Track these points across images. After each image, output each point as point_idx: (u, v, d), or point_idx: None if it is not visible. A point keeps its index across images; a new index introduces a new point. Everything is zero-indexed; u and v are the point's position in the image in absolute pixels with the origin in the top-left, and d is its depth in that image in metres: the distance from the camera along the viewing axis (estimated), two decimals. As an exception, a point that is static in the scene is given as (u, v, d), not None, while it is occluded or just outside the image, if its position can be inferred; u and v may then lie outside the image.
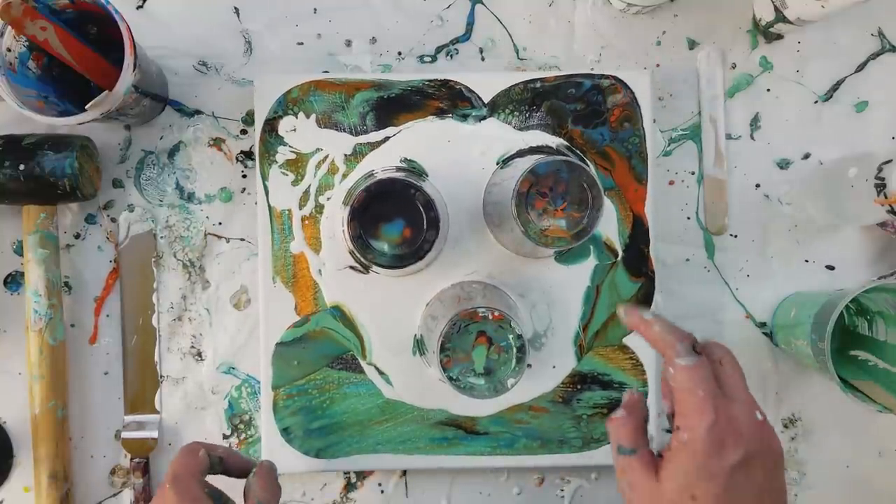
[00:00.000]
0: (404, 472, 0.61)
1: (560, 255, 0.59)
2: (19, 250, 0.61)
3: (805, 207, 0.62)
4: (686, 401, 0.43)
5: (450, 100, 0.59)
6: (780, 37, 0.62)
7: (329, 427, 0.59)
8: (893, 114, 0.63)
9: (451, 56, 0.62)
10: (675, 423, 0.44)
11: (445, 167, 0.59)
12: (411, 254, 0.51)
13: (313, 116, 0.59)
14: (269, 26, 0.62)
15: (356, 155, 0.59)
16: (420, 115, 0.59)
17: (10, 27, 0.51)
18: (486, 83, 0.59)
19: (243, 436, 0.61)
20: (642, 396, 0.48)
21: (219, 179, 0.62)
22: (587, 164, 0.58)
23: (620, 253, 0.59)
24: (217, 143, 0.62)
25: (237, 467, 0.51)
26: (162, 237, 0.61)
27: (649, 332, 0.45)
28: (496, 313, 0.50)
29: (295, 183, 0.59)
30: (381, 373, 0.59)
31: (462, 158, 0.59)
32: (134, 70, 0.51)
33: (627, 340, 0.59)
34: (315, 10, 0.62)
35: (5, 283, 0.61)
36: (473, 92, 0.59)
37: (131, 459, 0.60)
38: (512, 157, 0.59)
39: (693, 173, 0.63)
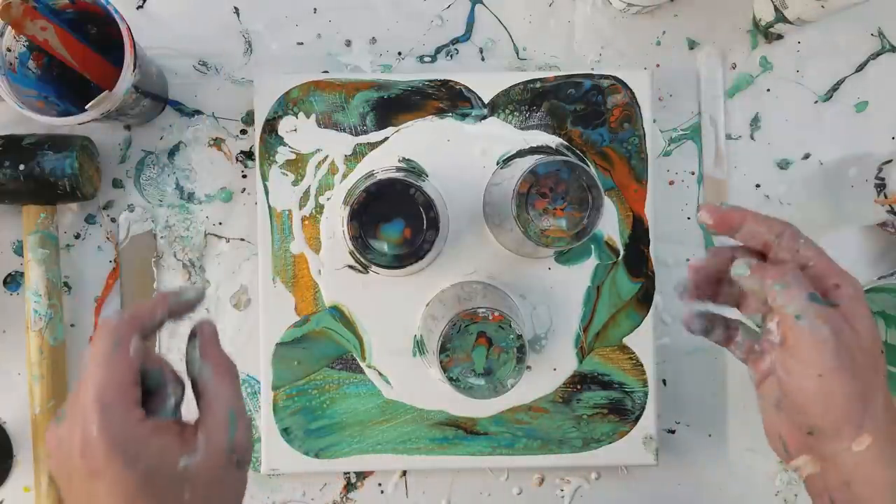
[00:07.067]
0: (404, 472, 0.61)
1: (560, 255, 0.59)
2: (19, 250, 0.61)
3: (805, 207, 0.62)
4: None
5: (450, 100, 0.59)
6: (780, 37, 0.62)
7: (329, 427, 0.59)
8: (893, 114, 0.63)
9: (451, 56, 0.62)
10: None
11: (445, 167, 0.59)
12: (411, 254, 0.51)
13: (313, 116, 0.59)
14: (269, 26, 0.62)
15: (356, 155, 0.59)
16: (420, 115, 0.59)
17: (10, 27, 0.51)
18: (486, 83, 0.59)
19: (243, 436, 0.61)
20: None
21: (219, 179, 0.62)
22: (587, 165, 0.58)
23: (622, 252, 0.59)
24: (217, 143, 0.62)
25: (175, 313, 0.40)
26: (162, 237, 0.61)
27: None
28: (496, 314, 0.50)
29: (295, 183, 0.59)
30: (380, 374, 0.59)
31: (462, 158, 0.59)
32: (134, 70, 0.51)
33: (627, 340, 0.59)
34: (315, 10, 0.62)
35: (5, 283, 0.61)
36: (473, 92, 0.59)
37: (131, 459, 0.60)
38: (512, 157, 0.59)
39: (693, 173, 0.62)
